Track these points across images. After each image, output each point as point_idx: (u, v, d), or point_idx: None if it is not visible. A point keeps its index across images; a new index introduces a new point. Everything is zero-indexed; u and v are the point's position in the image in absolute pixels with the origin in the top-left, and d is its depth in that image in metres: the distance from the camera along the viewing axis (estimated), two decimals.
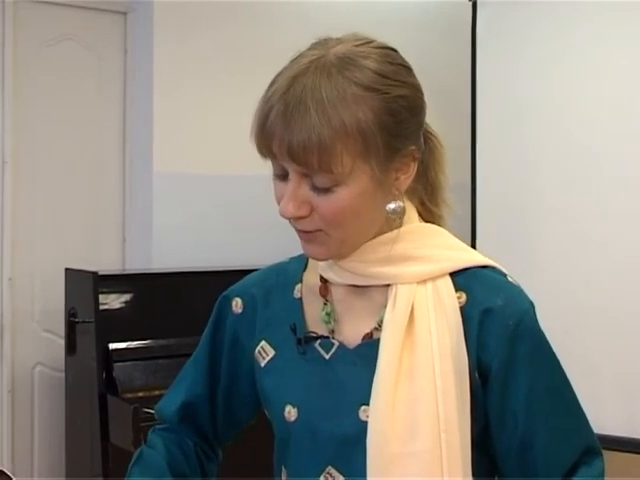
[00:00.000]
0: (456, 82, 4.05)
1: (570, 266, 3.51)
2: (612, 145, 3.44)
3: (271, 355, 1.31)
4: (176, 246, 4.08)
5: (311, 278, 1.31)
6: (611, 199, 3.43)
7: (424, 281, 1.20)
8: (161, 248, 4.06)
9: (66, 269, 3.77)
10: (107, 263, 4.07)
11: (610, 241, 3.42)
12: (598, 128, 3.47)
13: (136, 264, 4.14)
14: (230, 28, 4.19)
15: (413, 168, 1.20)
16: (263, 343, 1.32)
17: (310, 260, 1.32)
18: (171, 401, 1.42)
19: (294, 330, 1.28)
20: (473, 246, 3.09)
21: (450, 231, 1.30)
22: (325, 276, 1.27)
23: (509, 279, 1.24)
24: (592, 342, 3.42)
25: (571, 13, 3.54)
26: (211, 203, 4.18)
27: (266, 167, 1.27)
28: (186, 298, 3.69)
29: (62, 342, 3.82)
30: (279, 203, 1.17)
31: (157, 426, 1.44)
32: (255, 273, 1.41)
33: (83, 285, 3.65)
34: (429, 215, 1.30)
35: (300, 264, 1.34)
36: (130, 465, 1.37)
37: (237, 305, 1.37)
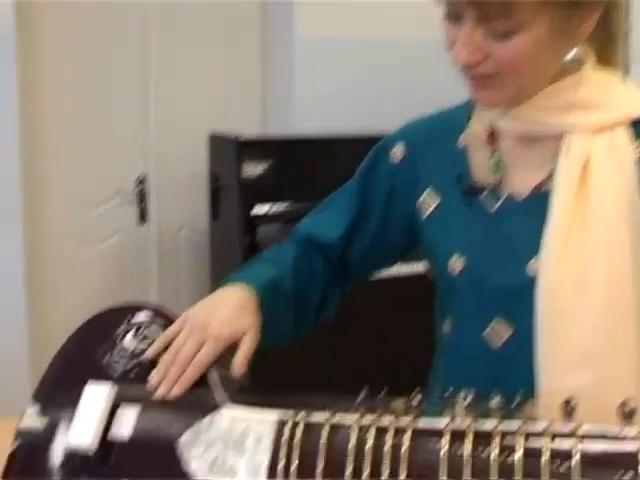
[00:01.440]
0: None
1: None
2: None
3: (435, 204, 1.27)
4: (319, 113, 4.01)
5: (477, 127, 1.25)
6: None
7: (601, 131, 1.14)
8: (303, 113, 4.02)
9: (210, 136, 3.80)
10: (249, 129, 4.06)
11: None
12: None
13: (277, 130, 4.13)
14: None
15: (595, 17, 1.13)
16: (428, 191, 1.29)
17: (476, 109, 1.26)
18: (313, 226, 1.38)
19: (460, 180, 1.24)
20: None
21: None
22: (494, 125, 1.22)
23: None
24: None
25: None
26: (356, 67, 4.04)
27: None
28: (327, 164, 3.66)
29: (206, 207, 3.89)
30: (450, 48, 1.12)
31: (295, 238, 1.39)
32: (416, 120, 1.36)
33: (226, 151, 3.68)
34: (604, 62, 1.22)
35: (464, 113, 1.29)
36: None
37: (396, 153, 1.33)
